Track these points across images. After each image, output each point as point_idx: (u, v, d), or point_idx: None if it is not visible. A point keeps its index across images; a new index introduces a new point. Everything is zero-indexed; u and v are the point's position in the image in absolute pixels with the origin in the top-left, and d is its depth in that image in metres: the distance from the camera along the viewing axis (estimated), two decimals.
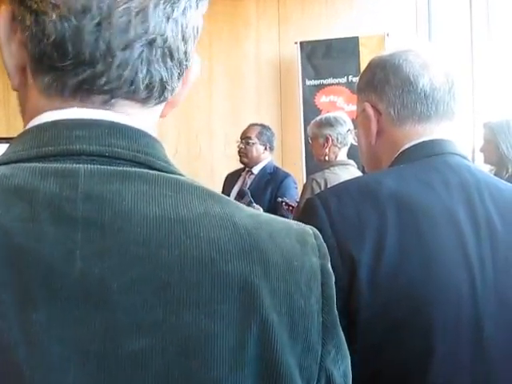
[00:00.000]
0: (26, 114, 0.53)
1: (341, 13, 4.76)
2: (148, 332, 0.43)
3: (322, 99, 4.65)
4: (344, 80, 4.58)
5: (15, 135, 0.52)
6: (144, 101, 0.52)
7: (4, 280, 0.42)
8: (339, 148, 2.92)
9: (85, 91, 0.49)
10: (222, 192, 3.66)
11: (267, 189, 3.44)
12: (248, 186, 3.52)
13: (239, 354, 0.45)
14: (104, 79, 0.49)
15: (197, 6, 0.52)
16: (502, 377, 0.92)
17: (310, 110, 4.57)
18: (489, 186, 0.98)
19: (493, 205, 0.96)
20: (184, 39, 0.52)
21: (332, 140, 2.91)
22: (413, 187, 0.94)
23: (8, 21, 0.51)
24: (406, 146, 1.02)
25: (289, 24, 4.87)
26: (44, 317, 0.42)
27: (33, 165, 0.47)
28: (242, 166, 3.69)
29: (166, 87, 0.52)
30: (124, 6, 0.47)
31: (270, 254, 0.49)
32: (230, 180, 3.74)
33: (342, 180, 2.47)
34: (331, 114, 3.06)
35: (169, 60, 0.51)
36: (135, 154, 0.49)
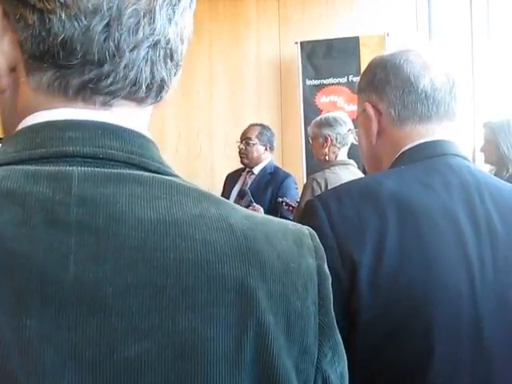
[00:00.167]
0: (15, 115, 0.51)
1: (341, 13, 4.76)
2: (144, 337, 0.43)
3: (322, 99, 4.65)
4: (344, 80, 4.58)
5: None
6: (141, 100, 0.52)
7: None
8: (339, 148, 2.92)
9: (88, 91, 0.49)
10: (223, 192, 3.66)
11: (268, 189, 3.44)
12: (248, 186, 3.52)
13: (236, 358, 0.45)
14: (110, 80, 0.49)
15: (190, 6, 0.53)
16: (502, 376, 0.92)
17: (311, 109, 4.57)
18: (489, 186, 0.98)
19: (493, 205, 0.96)
20: (182, 40, 0.53)
21: (331, 140, 2.91)
22: (413, 189, 0.94)
23: None
24: (407, 147, 1.02)
25: (289, 24, 4.87)
26: (37, 322, 0.41)
27: (25, 167, 0.46)
28: (242, 165, 3.69)
29: (163, 87, 0.53)
30: (133, 7, 0.48)
31: (267, 255, 0.48)
32: (231, 180, 3.74)
33: (342, 180, 2.48)
34: (331, 114, 3.06)
35: (169, 61, 0.52)
36: (129, 155, 0.49)
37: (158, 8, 0.49)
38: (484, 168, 3.03)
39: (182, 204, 0.48)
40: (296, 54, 4.69)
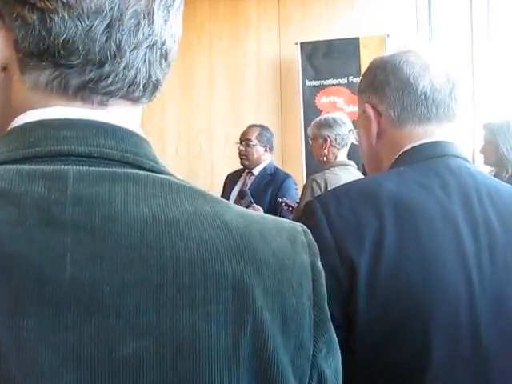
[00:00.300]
0: (8, 113, 0.51)
1: (341, 13, 4.77)
2: (142, 335, 0.43)
3: (322, 100, 4.65)
4: (344, 81, 4.59)
5: None
6: (137, 99, 0.53)
7: None
8: (338, 149, 2.92)
9: (87, 90, 0.49)
10: (223, 192, 3.66)
11: (267, 189, 3.44)
12: (248, 186, 3.52)
13: (234, 354, 0.45)
14: (110, 80, 0.49)
15: (180, 7, 0.54)
16: (501, 375, 0.92)
17: (311, 110, 4.57)
18: (488, 187, 0.99)
19: (491, 206, 0.96)
20: (174, 41, 0.53)
21: (331, 141, 2.91)
22: (412, 190, 0.94)
23: None
24: (407, 148, 1.03)
25: (289, 24, 4.87)
26: (34, 322, 0.41)
27: (19, 167, 0.46)
28: (242, 166, 3.69)
29: (158, 87, 0.53)
30: (133, 8, 0.48)
31: (262, 252, 0.49)
32: (231, 180, 3.74)
33: (342, 180, 2.48)
34: (331, 115, 3.06)
35: (164, 61, 0.52)
36: (123, 154, 0.49)
37: (155, 9, 0.50)
38: (484, 169, 3.02)
39: (177, 202, 0.48)
40: (296, 54, 4.69)
